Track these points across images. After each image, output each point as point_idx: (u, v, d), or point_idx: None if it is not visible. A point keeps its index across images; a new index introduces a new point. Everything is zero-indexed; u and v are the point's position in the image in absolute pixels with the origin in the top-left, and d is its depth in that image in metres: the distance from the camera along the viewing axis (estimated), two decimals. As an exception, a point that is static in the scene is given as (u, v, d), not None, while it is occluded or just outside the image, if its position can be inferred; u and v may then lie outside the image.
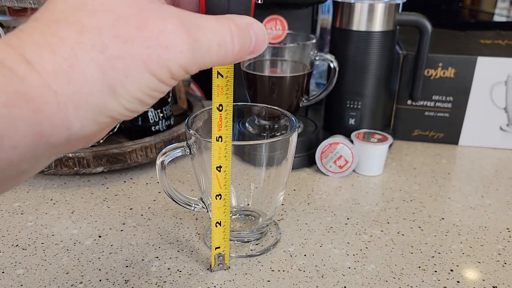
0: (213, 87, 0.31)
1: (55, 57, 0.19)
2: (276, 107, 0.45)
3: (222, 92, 0.32)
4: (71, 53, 0.19)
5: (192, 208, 0.43)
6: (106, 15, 0.20)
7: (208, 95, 0.89)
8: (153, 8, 0.21)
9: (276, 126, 0.55)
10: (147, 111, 0.62)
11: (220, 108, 0.32)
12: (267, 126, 0.56)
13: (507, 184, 0.57)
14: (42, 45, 0.19)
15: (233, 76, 0.31)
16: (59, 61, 0.19)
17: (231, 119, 0.33)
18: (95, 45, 0.19)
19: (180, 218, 0.48)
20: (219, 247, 0.39)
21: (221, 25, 0.22)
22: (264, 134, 0.55)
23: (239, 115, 0.50)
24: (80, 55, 0.19)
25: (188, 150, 0.40)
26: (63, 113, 0.19)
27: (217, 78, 0.31)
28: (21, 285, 0.38)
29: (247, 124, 0.57)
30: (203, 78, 0.87)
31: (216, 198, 0.36)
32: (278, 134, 0.50)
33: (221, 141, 0.34)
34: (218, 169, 0.35)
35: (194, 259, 0.41)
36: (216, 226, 0.38)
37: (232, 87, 0.32)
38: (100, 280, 0.38)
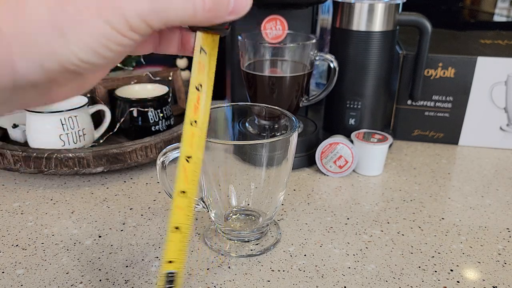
0: (193, 64, 0.28)
1: None
2: (276, 107, 0.45)
3: (203, 71, 0.28)
4: None
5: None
6: None
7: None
8: None
9: (276, 126, 0.55)
10: (147, 111, 0.62)
11: (199, 87, 0.28)
12: (267, 126, 0.56)
13: (507, 184, 0.57)
14: None
15: (216, 56, 0.28)
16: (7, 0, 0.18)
17: (210, 104, 0.29)
18: None
19: (180, 218, 0.48)
20: (172, 262, 0.30)
21: None
22: (264, 134, 0.55)
23: (239, 115, 0.50)
24: None
25: (188, 150, 0.40)
26: (7, 51, 0.18)
27: (200, 53, 0.27)
28: (21, 285, 0.38)
29: (247, 124, 0.57)
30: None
31: (180, 195, 0.29)
32: (278, 134, 0.50)
33: (195, 127, 0.28)
34: (187, 159, 0.28)
35: (194, 259, 0.41)
36: (174, 231, 0.29)
37: (214, 68, 0.28)
38: (100, 280, 0.38)
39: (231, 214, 0.45)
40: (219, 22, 0.22)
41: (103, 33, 0.19)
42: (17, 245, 0.43)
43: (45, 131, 0.56)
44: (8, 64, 0.18)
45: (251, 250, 0.43)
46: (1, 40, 0.18)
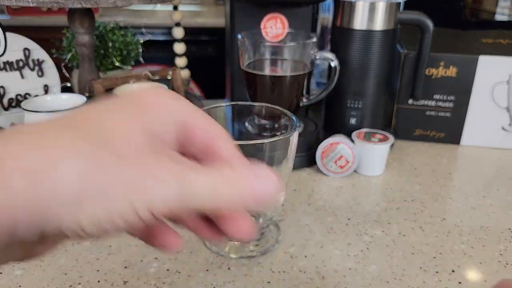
0: None
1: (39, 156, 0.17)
2: (276, 106, 0.44)
3: None
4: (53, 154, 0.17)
5: (192, 209, 0.42)
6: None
7: (207, 95, 0.89)
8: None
9: (276, 126, 0.55)
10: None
11: None
12: (267, 126, 0.55)
13: (508, 184, 0.57)
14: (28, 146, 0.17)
15: None
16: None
17: None
18: (84, 153, 0.18)
19: (180, 219, 0.48)
20: None
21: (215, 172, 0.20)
22: (265, 134, 0.55)
23: (239, 114, 0.50)
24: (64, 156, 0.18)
25: (187, 150, 0.39)
26: (11, 211, 0.17)
27: None
28: (19, 286, 0.37)
29: (247, 124, 0.56)
30: (203, 78, 0.87)
31: None
32: (279, 133, 0.50)
33: None
34: None
35: (194, 260, 0.41)
36: None
37: None
38: (99, 281, 0.38)
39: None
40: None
41: (118, 210, 0.18)
42: (15, 246, 0.43)
43: (44, 130, 0.56)
44: (10, 225, 0.17)
45: (251, 251, 0.42)
46: (12, 199, 0.17)
